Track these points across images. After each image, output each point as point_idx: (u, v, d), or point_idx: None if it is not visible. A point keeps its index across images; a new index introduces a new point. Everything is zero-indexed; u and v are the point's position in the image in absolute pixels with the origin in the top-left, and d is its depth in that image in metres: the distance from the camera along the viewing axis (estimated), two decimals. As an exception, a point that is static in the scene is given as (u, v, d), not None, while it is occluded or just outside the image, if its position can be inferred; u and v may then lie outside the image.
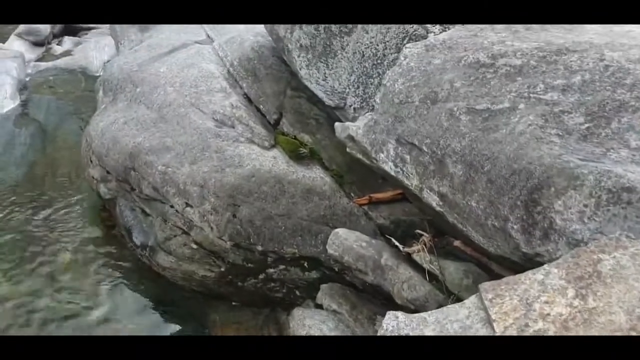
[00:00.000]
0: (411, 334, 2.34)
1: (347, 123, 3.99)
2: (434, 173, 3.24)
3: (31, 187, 6.13)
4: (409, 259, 4.06)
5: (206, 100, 5.15)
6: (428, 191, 3.28)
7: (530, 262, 2.70)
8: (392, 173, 3.52)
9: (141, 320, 4.39)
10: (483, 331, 2.24)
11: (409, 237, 4.37)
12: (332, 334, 3.59)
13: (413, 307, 3.68)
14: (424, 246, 3.92)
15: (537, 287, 2.30)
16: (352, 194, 4.69)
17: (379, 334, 2.42)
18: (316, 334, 3.60)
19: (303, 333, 3.67)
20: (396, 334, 2.38)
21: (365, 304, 4.09)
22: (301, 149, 4.98)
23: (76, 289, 4.65)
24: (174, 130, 4.90)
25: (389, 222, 4.49)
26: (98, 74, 8.81)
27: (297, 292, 4.50)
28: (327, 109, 5.08)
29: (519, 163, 2.78)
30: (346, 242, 4.10)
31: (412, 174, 3.39)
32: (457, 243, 3.42)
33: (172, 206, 4.64)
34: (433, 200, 3.26)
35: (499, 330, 2.17)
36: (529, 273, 2.37)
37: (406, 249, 4.06)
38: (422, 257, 3.86)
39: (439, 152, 3.20)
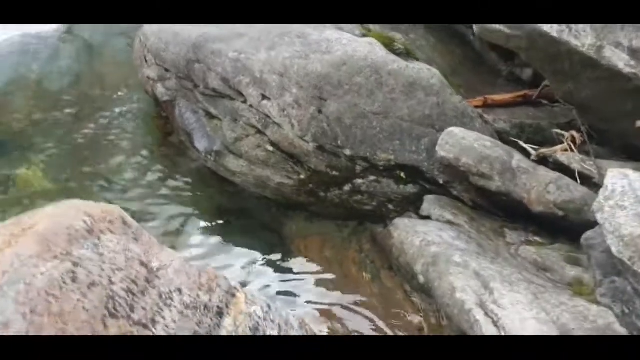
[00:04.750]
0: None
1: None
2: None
3: (77, 96, 5.46)
4: (545, 165, 3.22)
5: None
6: (612, 48, 2.41)
7: None
8: (554, 34, 2.65)
9: (207, 230, 3.68)
10: None
11: (536, 144, 3.53)
12: (456, 243, 2.81)
13: (562, 214, 2.85)
14: (572, 144, 3.06)
15: None
16: (461, 97, 3.85)
17: (602, 193, 1.62)
18: (435, 240, 2.80)
19: (417, 241, 2.89)
20: (630, 194, 1.56)
21: (485, 218, 3.29)
22: (396, 43, 4.15)
23: (131, 197, 3.97)
24: (247, 16, 4.13)
25: (511, 126, 3.67)
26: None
27: (390, 206, 3.72)
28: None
29: None
30: (464, 142, 3.29)
31: (583, 30, 2.53)
32: (640, 123, 2.56)
33: (244, 102, 3.89)
34: (620, 61, 2.39)
35: None
36: None
37: (543, 150, 3.22)
38: (571, 156, 3.01)
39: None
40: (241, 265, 3.43)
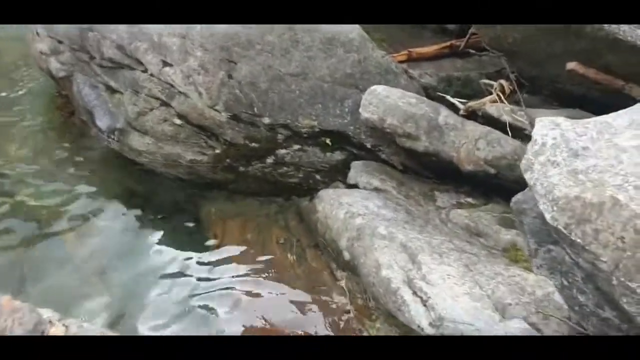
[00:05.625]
0: (591, 146, 1.27)
1: None
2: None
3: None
4: (474, 119, 2.98)
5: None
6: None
7: None
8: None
9: (115, 218, 3.27)
10: None
11: (465, 97, 3.29)
12: (383, 212, 2.53)
13: (493, 172, 2.62)
14: (501, 94, 2.82)
15: None
16: (384, 52, 3.55)
17: (530, 148, 1.36)
18: (360, 212, 2.52)
19: (341, 214, 2.60)
20: (562, 146, 1.30)
21: (414, 182, 3.04)
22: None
23: (29, 188, 3.49)
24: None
25: (438, 81, 3.41)
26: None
27: (318, 177, 3.43)
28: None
29: None
30: (388, 100, 3.00)
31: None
32: (572, 65, 2.32)
33: (144, 70, 3.46)
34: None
35: None
36: None
37: (471, 103, 2.97)
38: (501, 107, 2.77)
39: None
40: (154, 254, 3.06)
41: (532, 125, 2.68)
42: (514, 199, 1.64)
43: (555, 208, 1.26)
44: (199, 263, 2.88)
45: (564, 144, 1.35)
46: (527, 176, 1.40)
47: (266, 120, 3.34)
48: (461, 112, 3.06)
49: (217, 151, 3.42)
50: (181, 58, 3.31)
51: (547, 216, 1.28)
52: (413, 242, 2.20)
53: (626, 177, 1.20)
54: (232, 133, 3.35)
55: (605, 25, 1.98)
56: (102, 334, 1.57)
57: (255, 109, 3.32)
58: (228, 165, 3.45)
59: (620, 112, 1.51)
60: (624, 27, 1.93)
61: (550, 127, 1.42)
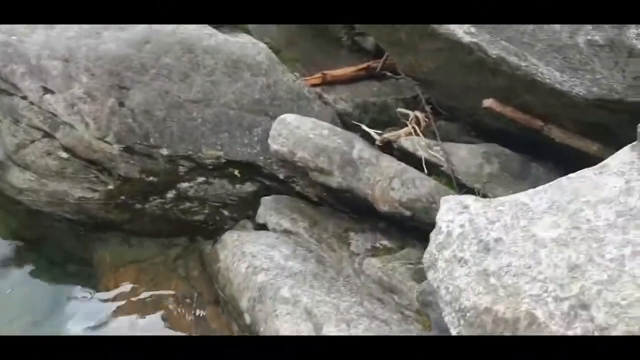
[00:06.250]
0: (505, 237, 1.06)
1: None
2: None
3: None
4: (391, 152, 2.78)
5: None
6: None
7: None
8: None
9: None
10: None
11: (382, 125, 3.09)
12: (290, 264, 2.26)
13: (409, 214, 2.41)
14: (416, 126, 2.62)
15: None
16: (296, 74, 3.30)
17: (434, 239, 1.13)
18: (264, 266, 2.23)
19: (243, 267, 2.30)
20: (471, 236, 1.07)
21: (329, 219, 2.80)
22: (219, 13, 3.45)
23: None
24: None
25: (353, 107, 3.19)
26: None
27: (226, 212, 3.13)
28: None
29: None
30: (299, 131, 2.75)
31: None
32: (488, 102, 2.14)
33: (24, 97, 3.01)
34: (459, 28, 1.92)
35: None
36: None
37: (387, 135, 2.76)
38: (415, 141, 2.57)
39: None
40: (37, 312, 2.66)
41: (449, 161, 2.52)
42: (418, 288, 1.42)
43: (462, 322, 1.03)
44: (88, 327, 2.50)
45: (473, 234, 1.13)
46: (429, 275, 1.17)
47: (165, 151, 3.00)
48: (377, 142, 2.85)
49: (110, 187, 3.04)
50: (64, 84, 2.92)
51: (453, 330, 1.05)
52: (319, 308, 1.94)
53: (545, 283, 0.99)
54: (125, 167, 2.99)
55: (524, 65, 1.80)
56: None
57: (152, 140, 2.99)
58: (123, 203, 3.08)
59: (540, 189, 1.32)
60: (542, 69, 1.76)
61: (458, 211, 1.20)
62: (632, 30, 1.55)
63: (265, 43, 3.40)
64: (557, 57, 1.72)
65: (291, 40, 3.55)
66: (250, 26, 3.59)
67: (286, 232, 2.61)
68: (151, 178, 3.05)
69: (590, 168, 1.36)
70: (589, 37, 1.63)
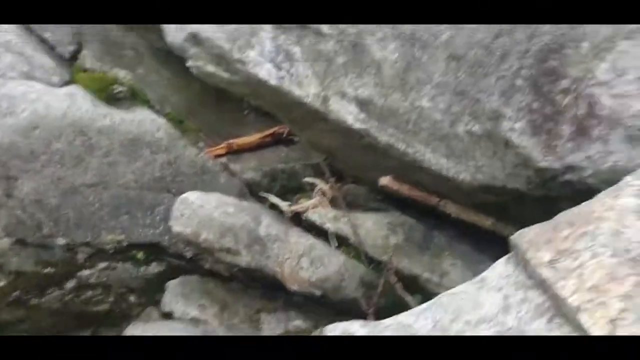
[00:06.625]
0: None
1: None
2: (346, 68, 1.90)
3: None
4: (299, 223, 2.74)
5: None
6: (338, 99, 1.94)
7: (546, 187, 1.52)
8: (273, 82, 2.09)
9: None
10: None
11: (292, 192, 3.05)
12: None
13: (320, 293, 2.37)
14: (322, 197, 2.61)
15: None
16: (200, 144, 3.21)
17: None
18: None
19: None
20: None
21: (240, 300, 2.71)
22: (116, 86, 3.34)
23: None
24: None
25: (261, 176, 3.13)
26: None
27: (132, 298, 2.96)
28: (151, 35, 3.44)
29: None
30: (202, 210, 2.66)
31: (306, 76, 2.02)
32: (385, 180, 2.16)
33: None
34: (348, 114, 1.93)
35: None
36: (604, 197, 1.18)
37: (294, 207, 2.72)
38: (323, 214, 2.55)
39: (352, 31, 1.86)
40: None
41: (356, 234, 2.51)
42: None
43: None
44: None
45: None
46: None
47: (61, 240, 2.82)
48: (286, 213, 2.81)
49: (2, 284, 2.80)
50: (-61, 178, 2.68)
51: None
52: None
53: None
54: (18, 261, 2.79)
55: (411, 152, 1.82)
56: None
57: (46, 230, 2.80)
58: (16, 299, 2.84)
59: (424, 307, 1.32)
60: (429, 155, 1.79)
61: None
62: (504, 124, 1.61)
63: (167, 113, 3.30)
64: (441, 145, 1.76)
65: (193, 110, 3.46)
66: (150, 95, 3.48)
67: (194, 320, 2.49)
68: (48, 269, 2.85)
69: (471, 282, 1.38)
70: (468, 128, 1.68)
